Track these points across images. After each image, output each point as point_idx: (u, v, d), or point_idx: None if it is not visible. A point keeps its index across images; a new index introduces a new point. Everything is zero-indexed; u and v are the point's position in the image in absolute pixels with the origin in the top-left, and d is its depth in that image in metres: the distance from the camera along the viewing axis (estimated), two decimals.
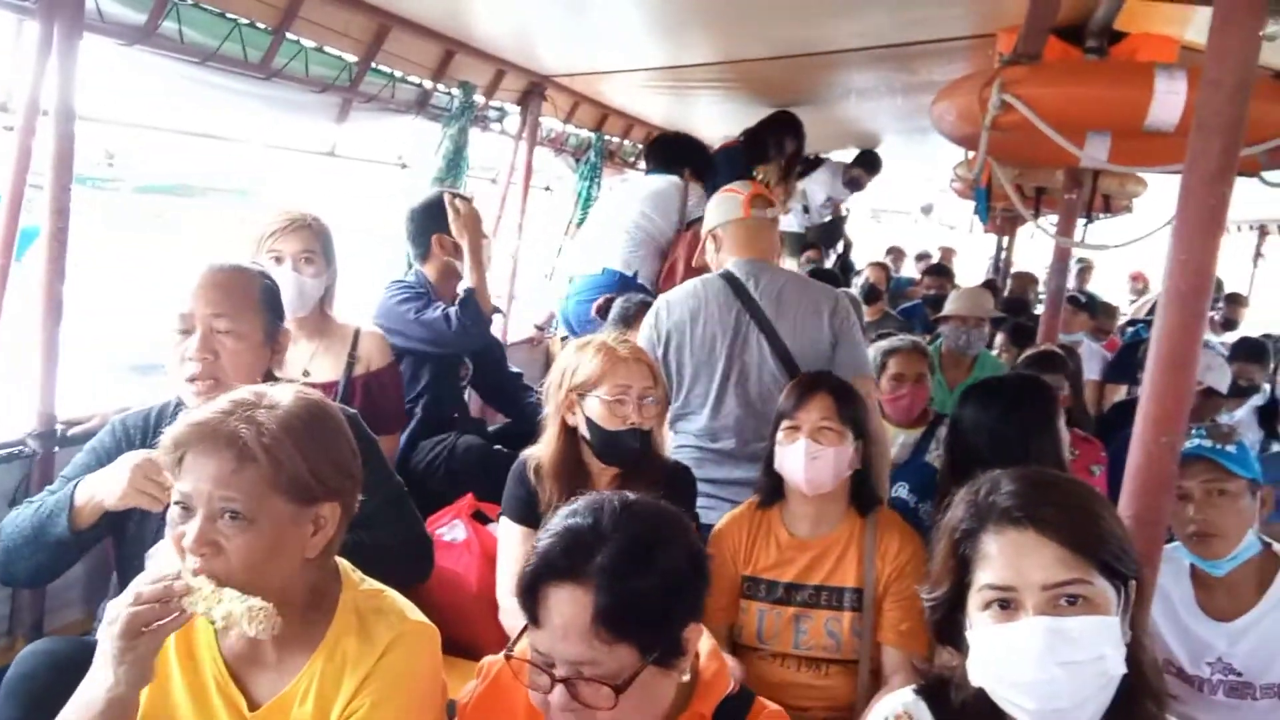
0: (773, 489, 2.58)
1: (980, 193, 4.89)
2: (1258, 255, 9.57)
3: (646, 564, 1.42)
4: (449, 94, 4.18)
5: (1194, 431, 2.27)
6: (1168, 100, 2.57)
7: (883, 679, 2.44)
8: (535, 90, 4.77)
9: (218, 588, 1.45)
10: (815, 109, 5.77)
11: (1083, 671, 1.31)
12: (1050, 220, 5.01)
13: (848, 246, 9.44)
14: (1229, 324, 8.03)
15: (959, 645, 1.43)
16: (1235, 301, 8.44)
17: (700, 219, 4.02)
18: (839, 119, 6.65)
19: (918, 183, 13.17)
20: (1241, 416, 4.85)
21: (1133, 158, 2.88)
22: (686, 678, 1.51)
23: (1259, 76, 1.98)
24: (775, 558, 2.54)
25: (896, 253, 12.61)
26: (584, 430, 2.49)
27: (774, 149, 5.42)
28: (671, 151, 4.96)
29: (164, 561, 1.62)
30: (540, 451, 2.56)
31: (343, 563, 1.69)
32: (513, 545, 2.52)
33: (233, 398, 1.56)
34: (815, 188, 8.10)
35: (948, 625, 1.44)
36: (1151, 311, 8.84)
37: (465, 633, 2.53)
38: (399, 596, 1.70)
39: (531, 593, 1.41)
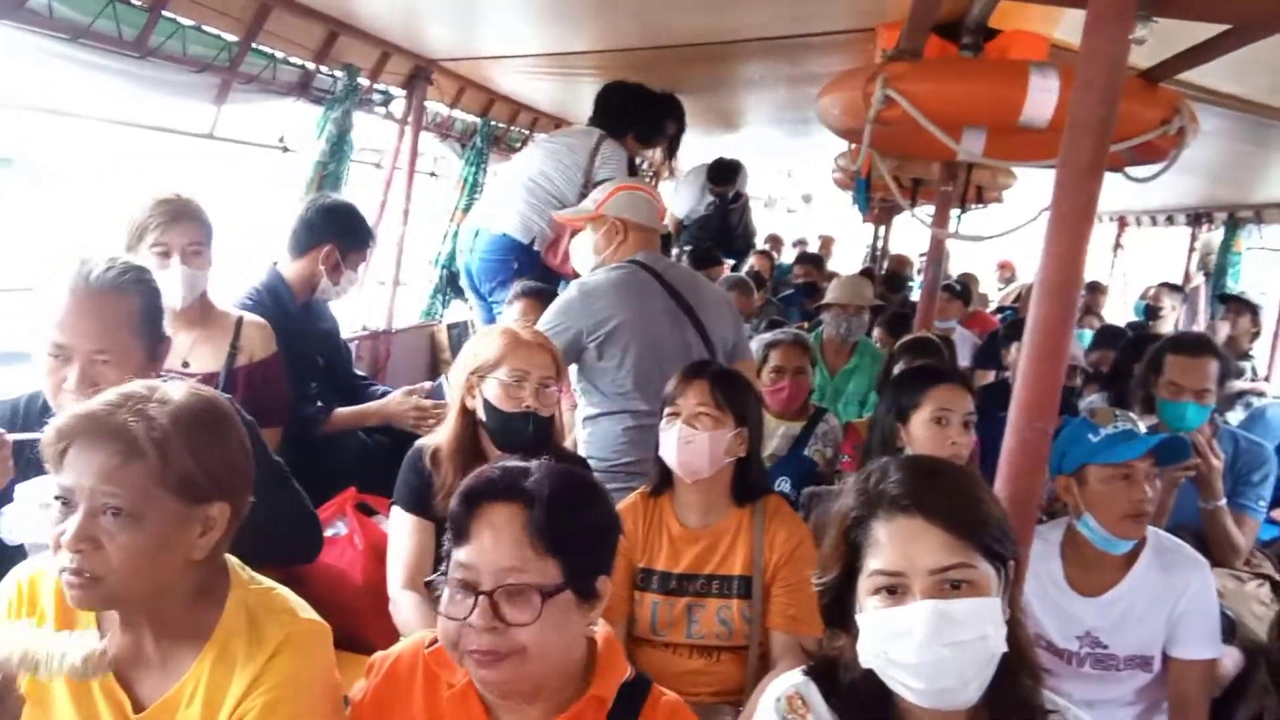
0: (662, 477, 2.61)
1: (860, 183, 5.02)
2: (1117, 246, 10.04)
3: (576, 498, 1.54)
4: (332, 76, 4.08)
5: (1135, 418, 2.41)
6: (1041, 98, 2.67)
7: (771, 662, 2.49)
8: (421, 74, 4.69)
9: (51, 649, 1.43)
10: (701, 98, 5.82)
11: (967, 651, 1.37)
12: (926, 211, 5.16)
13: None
14: (1089, 311, 8.39)
15: (848, 628, 1.48)
16: (1095, 290, 8.82)
17: (604, 181, 4.03)
18: (725, 110, 6.72)
19: (800, 173, 13.39)
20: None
21: (1008, 152, 2.99)
22: (595, 629, 1.58)
23: (1127, 77, 2.09)
24: (667, 550, 2.57)
25: (775, 241, 12.82)
26: (481, 413, 2.47)
27: (658, 131, 5.43)
28: (602, 104, 4.73)
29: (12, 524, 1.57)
30: (438, 437, 2.54)
31: (231, 560, 1.65)
32: (405, 536, 2.49)
33: (123, 391, 1.51)
34: (681, 201, 8.05)
35: (837, 609, 1.49)
36: (1018, 299, 9.23)
37: (352, 628, 2.47)
38: (290, 594, 1.67)
39: (466, 508, 1.48)
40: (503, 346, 2.46)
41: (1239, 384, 5.89)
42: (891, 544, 1.41)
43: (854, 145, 3.54)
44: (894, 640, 1.39)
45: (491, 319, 4.37)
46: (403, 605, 2.40)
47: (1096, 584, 2.40)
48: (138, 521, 1.44)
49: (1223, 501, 3.16)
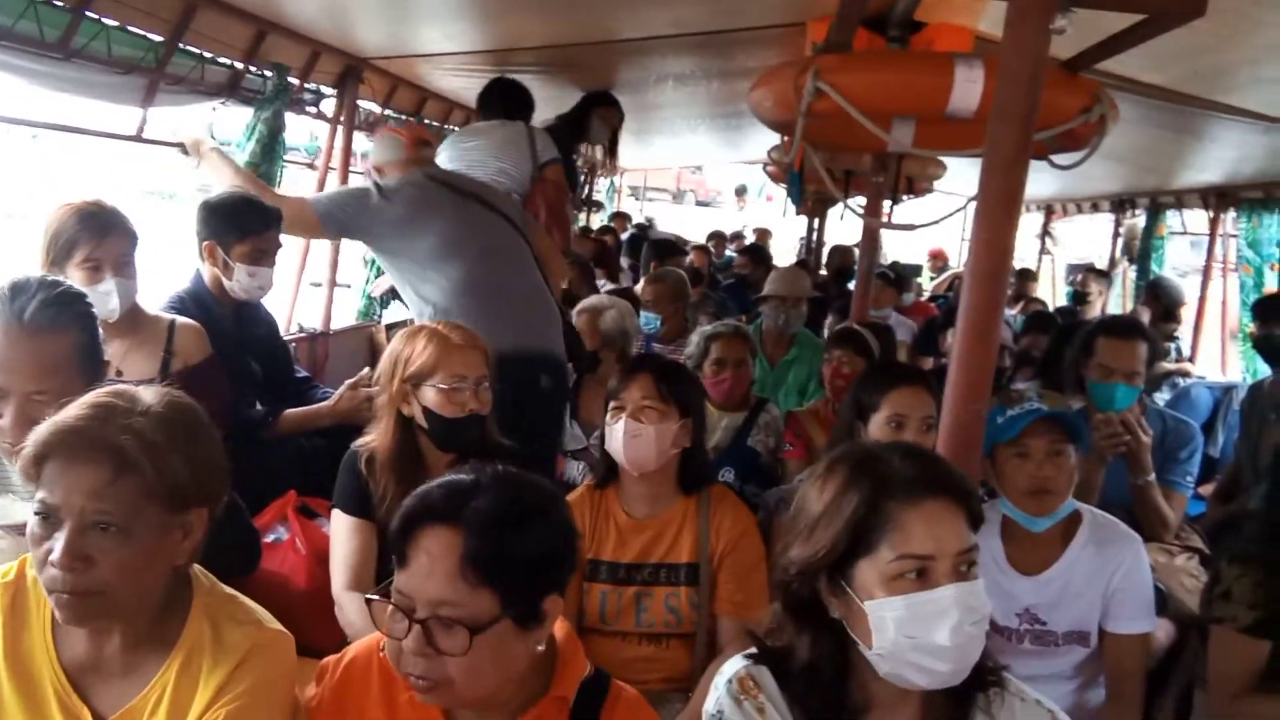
0: (607, 470, 2.63)
1: (794, 176, 5.07)
2: (1045, 234, 10.25)
3: (520, 521, 1.46)
4: (262, 76, 4.02)
5: (1028, 395, 2.45)
6: (967, 88, 2.72)
7: (719, 648, 2.53)
8: (352, 73, 4.64)
9: None
10: (634, 94, 5.84)
11: (982, 630, 1.42)
12: (859, 201, 5.23)
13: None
14: (1020, 298, 8.56)
15: (810, 614, 1.49)
16: (1025, 277, 9.00)
17: (552, 161, 4.27)
18: (657, 104, 6.75)
19: (719, 167, 13.55)
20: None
21: (936, 142, 3.04)
22: (542, 648, 1.54)
23: (1048, 67, 2.14)
24: (615, 540, 2.59)
25: (719, 237, 12.92)
26: (421, 420, 2.47)
27: (596, 127, 5.44)
28: (511, 98, 4.74)
29: None
30: (373, 443, 2.53)
31: (194, 567, 1.63)
32: (346, 539, 2.48)
33: (95, 401, 1.48)
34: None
35: (807, 595, 1.49)
36: (950, 287, 9.39)
37: (297, 633, 2.45)
38: (253, 604, 1.66)
39: (404, 532, 1.44)
40: (436, 352, 2.46)
41: (1166, 365, 6.06)
42: (921, 526, 1.41)
43: (787, 138, 3.59)
44: (925, 624, 1.39)
45: None
46: (348, 607, 2.39)
47: (1034, 562, 2.45)
48: (128, 535, 1.42)
49: (1152, 478, 3.25)
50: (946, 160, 5.22)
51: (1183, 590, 3.06)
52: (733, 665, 1.58)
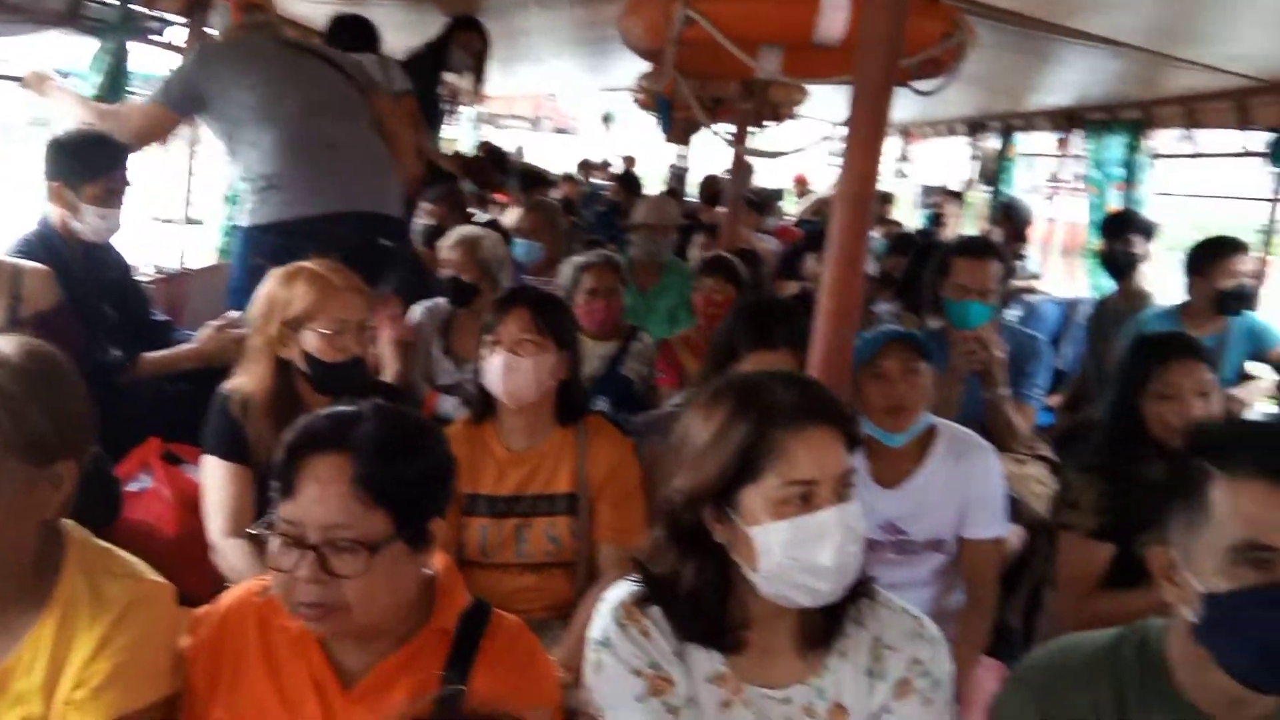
0: (484, 404, 2.63)
1: (663, 104, 5.07)
2: (903, 157, 10.51)
3: (406, 444, 1.50)
4: (104, 3, 3.79)
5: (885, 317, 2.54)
6: (833, 16, 2.74)
7: (598, 574, 2.57)
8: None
9: None
10: (497, 19, 5.71)
11: (859, 550, 1.48)
12: (727, 129, 5.26)
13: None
14: (879, 221, 8.76)
15: (694, 540, 1.52)
16: (883, 200, 9.22)
17: (405, 92, 4.20)
18: (524, 30, 6.62)
19: (598, 94, 13.40)
20: None
21: (804, 70, 3.07)
22: (429, 572, 1.58)
23: None
24: (494, 473, 2.59)
25: (586, 166, 12.82)
26: (301, 364, 2.42)
27: (458, 55, 5.31)
28: (358, 33, 4.65)
29: None
30: (247, 385, 2.46)
31: (65, 521, 1.58)
32: (222, 484, 2.42)
33: None
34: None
35: (692, 522, 1.52)
36: (816, 212, 9.55)
37: (171, 582, 2.42)
38: (129, 556, 1.62)
39: (290, 463, 1.44)
40: (316, 296, 2.41)
41: (1016, 282, 6.33)
42: (805, 452, 1.45)
43: (656, 66, 3.58)
44: (809, 546, 1.44)
45: None
46: (229, 552, 2.35)
47: (895, 476, 2.55)
48: None
49: (1005, 391, 3.41)
50: (810, 86, 5.28)
51: (1032, 497, 3.23)
52: (617, 592, 1.62)
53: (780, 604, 1.50)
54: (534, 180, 7.19)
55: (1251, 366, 4.05)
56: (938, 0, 2.97)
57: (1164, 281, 4.86)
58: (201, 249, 5.24)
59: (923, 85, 3.08)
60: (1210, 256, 4.00)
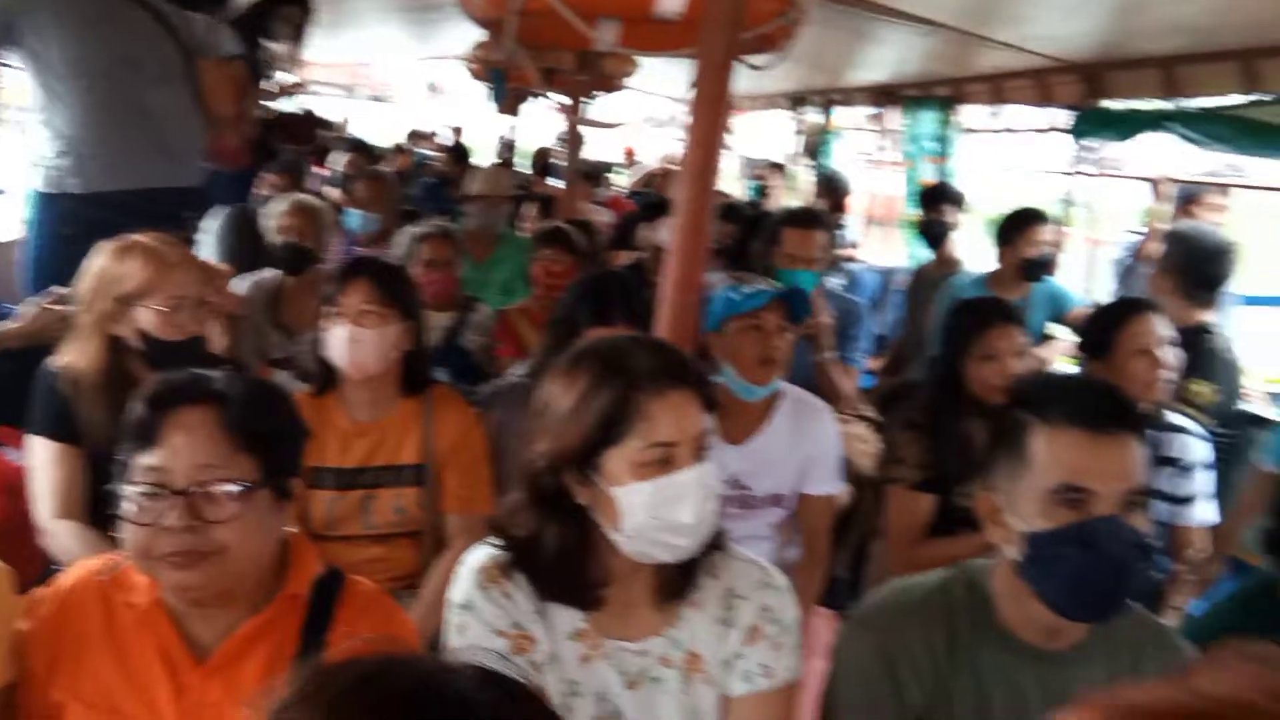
0: (325, 376, 2.59)
1: (497, 74, 5.03)
2: (728, 130, 10.69)
3: (267, 400, 1.54)
4: None
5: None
6: None
7: (447, 543, 2.59)
8: None
9: None
10: None
11: (715, 506, 1.54)
12: (561, 100, 5.27)
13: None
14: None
15: (557, 504, 1.55)
16: None
17: (239, 56, 3.96)
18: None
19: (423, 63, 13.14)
20: None
21: (641, 42, 3.13)
22: (290, 530, 1.58)
23: None
24: (338, 445, 2.56)
25: (416, 136, 12.56)
26: (135, 342, 2.33)
27: (282, 21, 5.14)
28: None
29: None
30: (77, 364, 2.36)
31: None
32: (51, 465, 2.31)
33: None
34: None
35: (554, 486, 1.55)
36: (647, 184, 9.66)
37: None
38: None
39: (153, 413, 1.43)
40: (151, 272, 2.32)
41: (837, 251, 6.58)
42: (667, 416, 1.48)
43: (492, 35, 3.56)
44: (670, 505, 1.48)
45: None
46: (61, 534, 2.26)
47: (740, 432, 2.65)
48: None
49: (832, 355, 3.58)
50: (640, 59, 5.32)
51: (857, 455, 3.37)
52: (477, 556, 1.63)
53: (639, 561, 1.56)
54: (363, 151, 7.02)
55: (1052, 328, 4.37)
56: None
57: (973, 249, 5.15)
58: (8, 219, 4.93)
59: (756, 60, 3.18)
60: (1016, 227, 4.28)
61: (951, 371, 2.81)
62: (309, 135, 6.65)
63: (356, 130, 10.78)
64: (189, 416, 1.43)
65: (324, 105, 13.27)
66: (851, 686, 1.64)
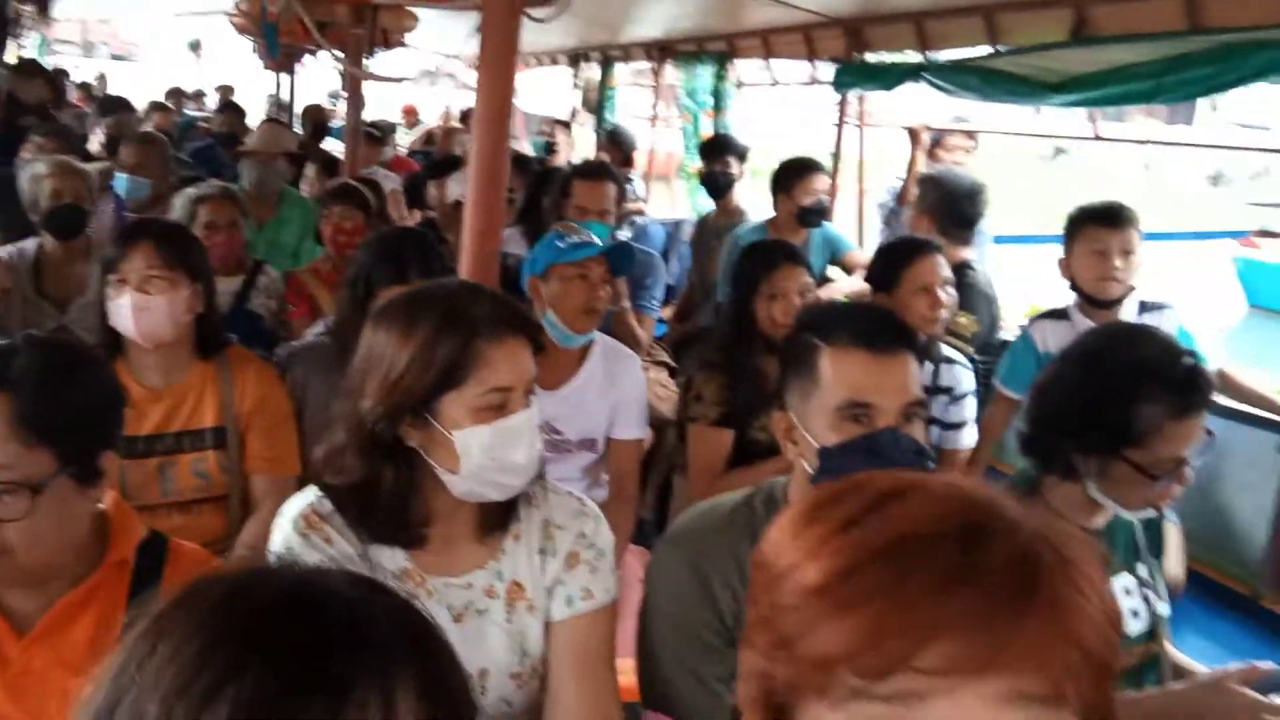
0: (111, 343, 2.49)
1: (269, 28, 4.85)
2: None
3: (67, 375, 1.44)
4: None
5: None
6: None
7: (254, 505, 2.55)
8: None
9: None
10: None
11: (540, 446, 1.62)
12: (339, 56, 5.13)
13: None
14: None
15: (386, 451, 1.57)
16: None
17: None
18: None
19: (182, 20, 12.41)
20: None
21: None
22: (102, 505, 1.52)
23: None
24: (131, 414, 2.45)
25: (178, 94, 11.84)
26: None
27: None
28: None
29: None
30: None
31: None
32: None
33: None
34: None
35: (387, 432, 1.56)
36: (428, 142, 9.52)
37: None
38: None
39: None
40: None
41: (625, 205, 6.70)
42: (505, 362, 1.54)
43: None
44: (505, 446, 1.54)
45: None
46: None
47: (555, 379, 2.72)
48: None
49: (627, 304, 3.69)
50: (419, 13, 5.26)
51: (656, 399, 3.54)
52: (294, 505, 1.64)
53: (468, 500, 1.61)
54: (119, 109, 6.61)
55: (830, 271, 4.63)
56: None
57: (751, 199, 5.36)
58: None
59: (538, 13, 3.20)
60: (791, 176, 4.48)
61: (743, 311, 2.97)
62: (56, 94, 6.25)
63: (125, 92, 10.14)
64: None
65: (60, 64, 12.36)
66: (668, 600, 1.74)
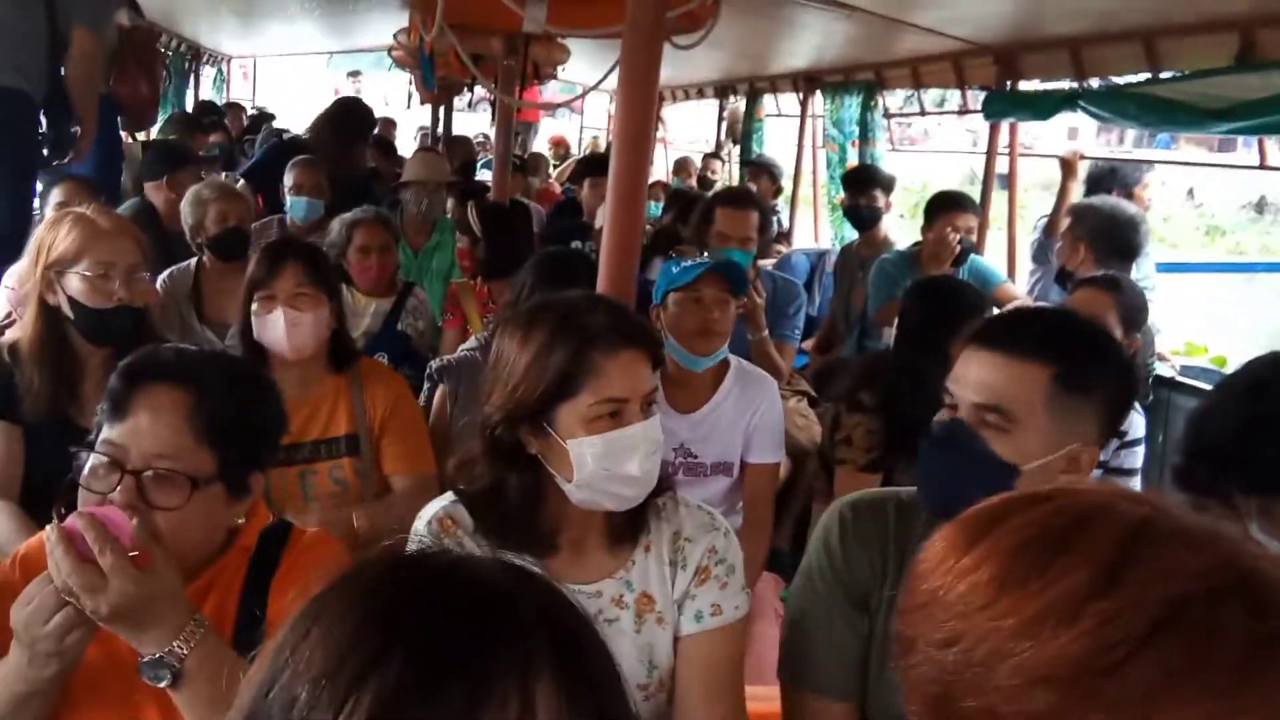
0: (254, 359, 2.60)
1: (425, 60, 5.03)
2: (657, 119, 10.78)
3: (246, 390, 1.52)
4: None
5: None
6: None
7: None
8: None
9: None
10: None
11: (660, 459, 1.62)
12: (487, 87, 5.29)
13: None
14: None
15: (513, 455, 1.61)
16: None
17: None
18: None
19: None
20: None
21: (568, 21, 3.17)
22: (241, 521, 1.57)
23: None
24: None
25: None
26: (67, 310, 2.32)
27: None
28: None
29: None
30: (17, 334, 2.36)
31: None
32: None
33: None
34: None
35: (509, 438, 1.60)
36: (573, 176, 9.70)
37: None
38: None
39: (126, 387, 1.43)
40: (80, 238, 2.31)
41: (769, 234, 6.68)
42: (619, 373, 1.55)
43: (419, 20, 3.57)
44: (619, 457, 1.55)
45: None
46: None
47: (690, 402, 2.72)
48: None
49: (766, 334, 3.66)
50: (572, 45, 5.37)
51: (794, 428, 3.49)
52: (431, 509, 1.69)
53: (589, 509, 1.62)
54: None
55: None
56: None
57: (897, 229, 5.27)
58: None
59: (681, 40, 3.24)
60: (940, 208, 4.38)
61: (921, 356, 2.71)
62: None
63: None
64: (159, 396, 1.43)
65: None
66: (817, 553, 1.69)
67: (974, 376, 1.54)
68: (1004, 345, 1.54)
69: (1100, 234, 3.64)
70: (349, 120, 5.74)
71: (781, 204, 7.42)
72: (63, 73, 3.85)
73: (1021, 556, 0.65)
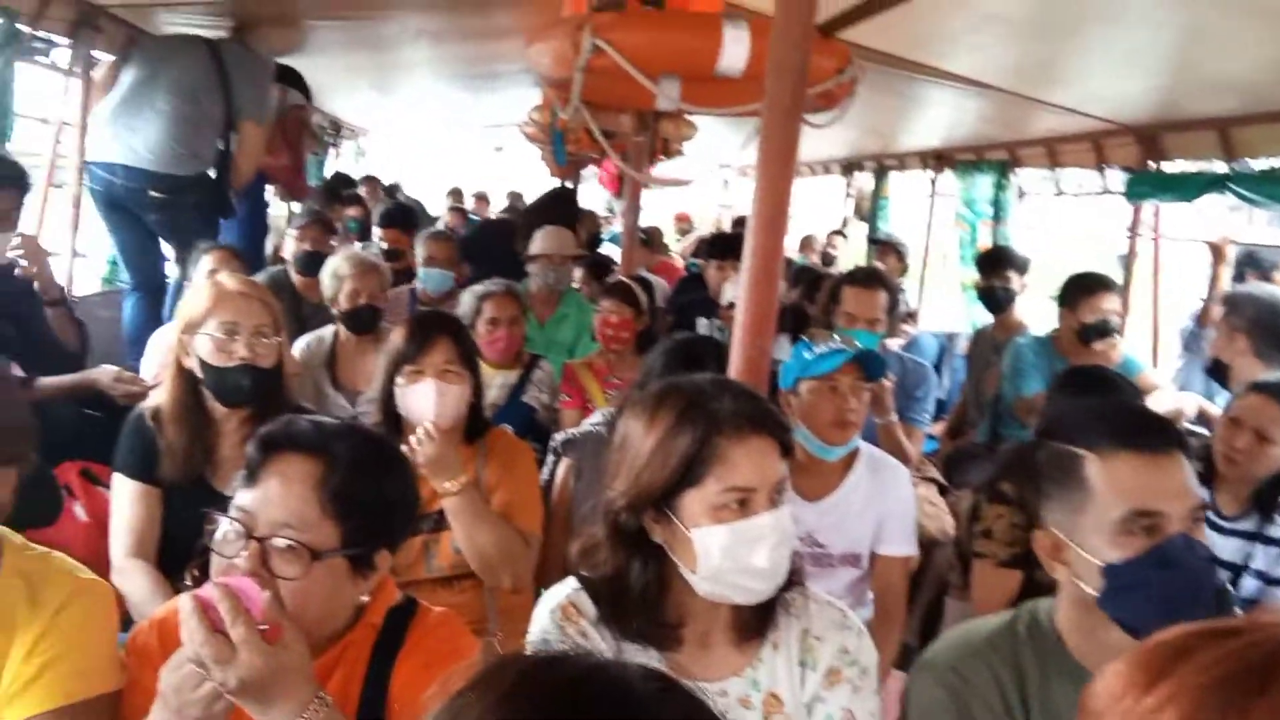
0: (393, 430, 2.62)
1: (557, 136, 5.12)
2: None
3: (379, 466, 1.51)
4: None
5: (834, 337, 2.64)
6: (734, 49, 2.86)
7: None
8: (87, 20, 4.27)
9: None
10: (386, 51, 5.72)
11: (790, 551, 1.55)
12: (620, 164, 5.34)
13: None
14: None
15: (636, 542, 1.57)
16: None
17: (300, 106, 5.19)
18: (413, 62, 6.63)
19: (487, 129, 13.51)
20: None
21: (702, 100, 3.17)
22: (365, 599, 1.56)
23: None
24: None
25: (479, 198, 12.96)
26: (198, 370, 2.39)
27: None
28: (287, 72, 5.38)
29: None
30: (159, 398, 2.43)
31: (1, 529, 1.54)
32: (129, 504, 2.37)
33: None
34: None
35: (634, 525, 1.56)
36: (697, 253, 9.74)
37: None
38: (66, 558, 1.59)
39: (262, 454, 1.45)
40: (209, 299, 2.40)
41: (898, 314, 6.55)
42: (747, 461, 1.50)
43: (552, 95, 3.63)
44: (746, 548, 1.49)
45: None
46: (129, 573, 2.31)
47: (818, 489, 2.64)
48: None
49: (895, 418, 3.55)
50: (698, 121, 5.41)
51: (924, 517, 3.36)
52: (554, 595, 1.65)
53: (715, 601, 1.55)
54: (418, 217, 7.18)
55: None
56: (832, 37, 3.12)
57: (1030, 309, 5.10)
58: (87, 279, 5.12)
59: (816, 119, 3.21)
60: (1078, 292, 4.21)
61: None
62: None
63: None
64: (291, 465, 1.45)
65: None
66: None
67: (1177, 483, 1.47)
68: (1173, 441, 1.50)
69: (1260, 324, 3.45)
70: (558, 208, 6.06)
71: (908, 282, 7.29)
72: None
73: (1212, 698, 0.59)
